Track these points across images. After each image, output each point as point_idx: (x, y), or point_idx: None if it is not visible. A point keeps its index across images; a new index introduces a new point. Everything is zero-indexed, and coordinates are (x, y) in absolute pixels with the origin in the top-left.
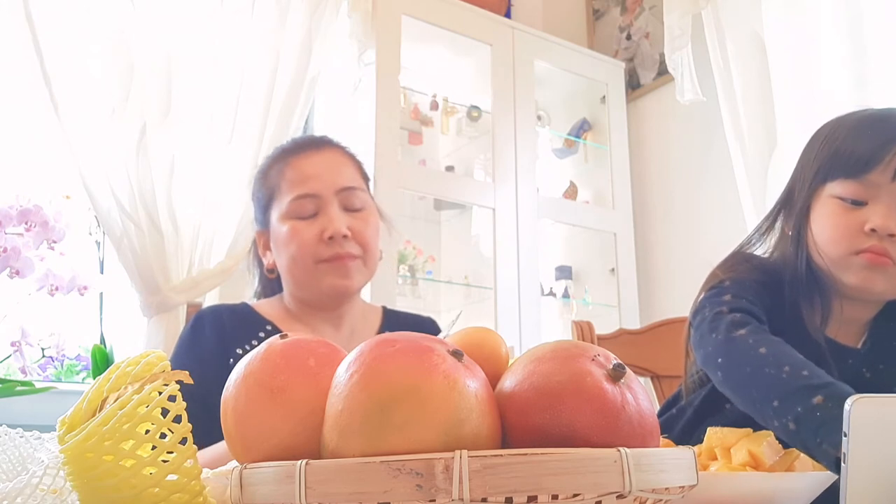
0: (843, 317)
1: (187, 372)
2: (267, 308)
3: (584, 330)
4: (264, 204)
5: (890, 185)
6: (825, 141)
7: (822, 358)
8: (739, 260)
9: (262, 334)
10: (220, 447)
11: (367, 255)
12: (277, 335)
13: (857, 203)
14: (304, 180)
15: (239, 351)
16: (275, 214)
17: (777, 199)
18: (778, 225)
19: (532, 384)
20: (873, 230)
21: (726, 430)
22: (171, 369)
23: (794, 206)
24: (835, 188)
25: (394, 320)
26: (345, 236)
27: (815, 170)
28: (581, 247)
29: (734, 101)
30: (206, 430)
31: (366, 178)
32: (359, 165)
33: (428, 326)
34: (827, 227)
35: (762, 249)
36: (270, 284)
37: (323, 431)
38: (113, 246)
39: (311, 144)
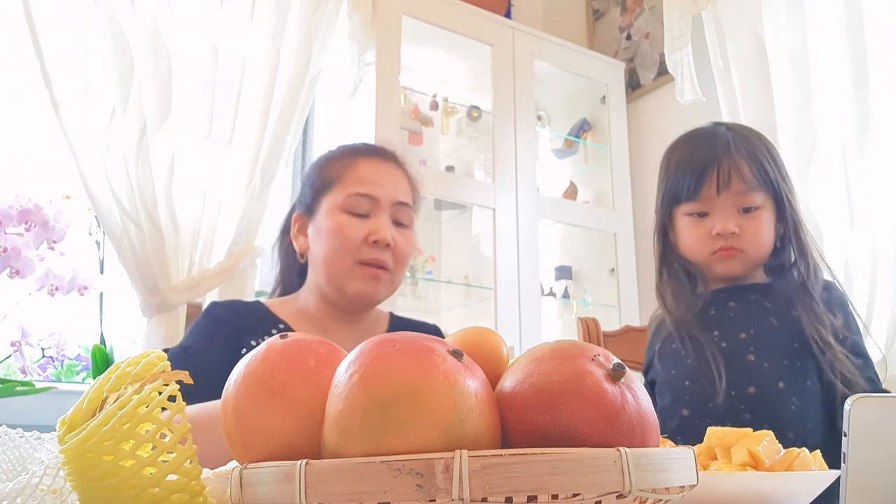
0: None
1: (187, 372)
2: (280, 307)
3: (589, 326)
4: (318, 190)
5: (718, 198)
6: (664, 173)
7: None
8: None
9: (274, 331)
10: (209, 405)
11: (398, 271)
12: (277, 335)
13: (702, 215)
14: (367, 181)
15: (253, 342)
16: (326, 203)
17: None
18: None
19: (532, 384)
20: (718, 234)
21: (726, 429)
22: (183, 346)
23: (657, 227)
24: (684, 208)
25: (399, 326)
26: (387, 245)
27: (663, 197)
28: (581, 247)
29: (734, 101)
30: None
31: (415, 202)
32: (415, 189)
33: (432, 334)
34: (687, 239)
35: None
36: (290, 275)
37: (323, 431)
38: (113, 246)
39: (382, 153)
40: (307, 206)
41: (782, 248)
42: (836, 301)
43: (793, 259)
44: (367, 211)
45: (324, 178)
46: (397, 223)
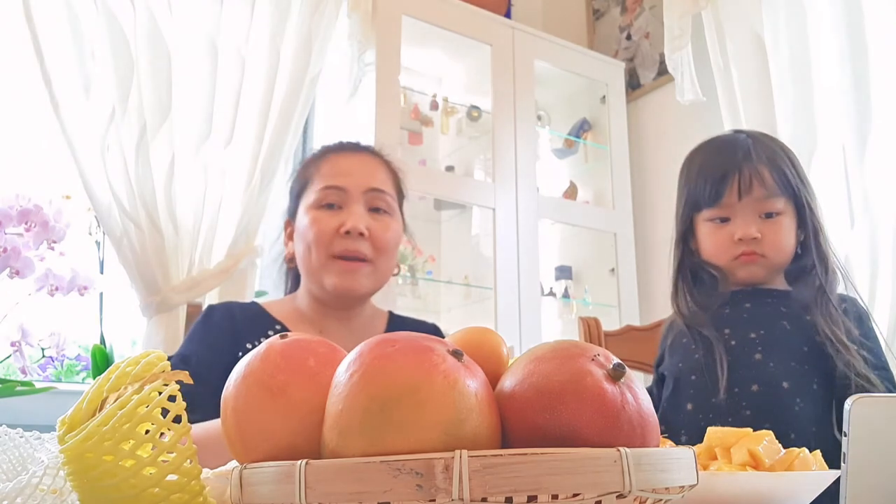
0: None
1: (187, 372)
2: (277, 308)
3: (590, 326)
4: (297, 193)
5: (739, 203)
6: (684, 181)
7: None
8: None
9: (271, 332)
10: (211, 424)
11: (380, 260)
12: (277, 335)
13: (724, 220)
14: (335, 174)
15: (248, 345)
16: (303, 204)
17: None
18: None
19: (532, 384)
20: (740, 239)
21: (726, 429)
22: (183, 354)
23: (677, 234)
24: (705, 214)
25: (399, 325)
26: (361, 234)
27: (684, 204)
28: (581, 247)
29: (734, 101)
30: (215, 414)
31: (399, 191)
32: (395, 176)
33: (431, 333)
34: (709, 244)
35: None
36: (298, 283)
37: (323, 431)
38: (113, 246)
39: (352, 147)
40: (292, 211)
41: (803, 254)
42: (853, 313)
43: (812, 265)
44: (338, 203)
45: (300, 180)
46: (375, 210)
